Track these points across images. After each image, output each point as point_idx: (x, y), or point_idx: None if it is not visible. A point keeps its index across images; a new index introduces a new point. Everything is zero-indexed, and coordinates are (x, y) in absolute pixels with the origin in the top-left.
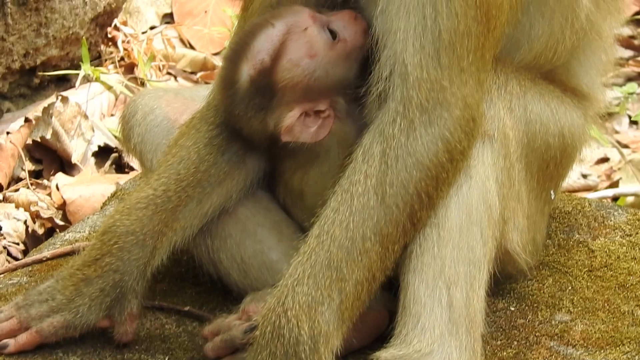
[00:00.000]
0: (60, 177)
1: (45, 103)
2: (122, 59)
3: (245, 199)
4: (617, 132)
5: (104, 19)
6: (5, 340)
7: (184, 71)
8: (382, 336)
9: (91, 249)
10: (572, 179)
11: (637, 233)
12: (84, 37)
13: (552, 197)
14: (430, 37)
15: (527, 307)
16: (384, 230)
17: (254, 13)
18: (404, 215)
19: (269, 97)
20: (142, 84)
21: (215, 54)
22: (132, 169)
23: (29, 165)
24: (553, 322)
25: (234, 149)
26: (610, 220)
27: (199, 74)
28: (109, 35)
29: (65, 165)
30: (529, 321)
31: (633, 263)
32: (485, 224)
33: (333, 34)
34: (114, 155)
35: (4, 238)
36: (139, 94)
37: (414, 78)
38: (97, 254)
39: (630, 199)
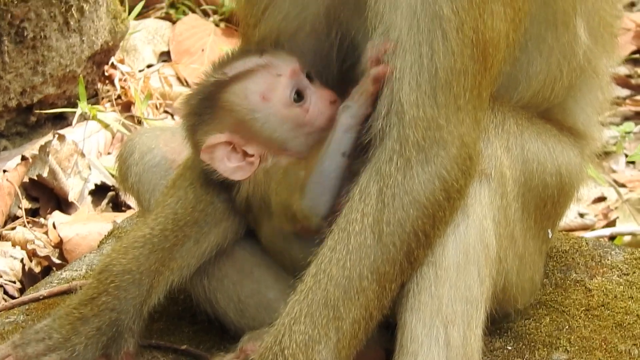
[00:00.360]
0: (57, 216)
1: (42, 141)
2: (119, 97)
3: (242, 239)
4: (614, 172)
5: (101, 57)
6: None
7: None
8: None
9: (88, 288)
10: (569, 218)
11: (634, 272)
12: (80, 75)
13: (550, 236)
14: (427, 75)
15: (524, 346)
16: (381, 268)
17: None
18: (401, 254)
19: (210, 111)
20: (139, 122)
21: None
22: (129, 207)
23: (26, 204)
24: None
25: (231, 188)
26: (608, 260)
27: None
28: (106, 74)
29: (62, 204)
30: None
31: (630, 302)
32: (483, 263)
33: (300, 97)
34: (111, 193)
35: (1, 276)
36: (136, 133)
37: (410, 117)
38: (93, 292)
39: (627, 238)
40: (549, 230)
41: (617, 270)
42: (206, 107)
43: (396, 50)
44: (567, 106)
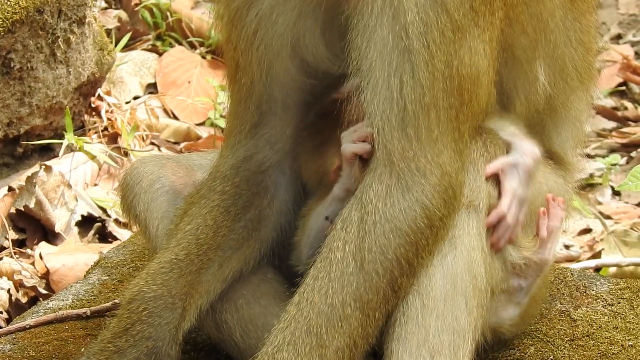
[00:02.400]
0: (43, 246)
1: (29, 172)
2: (105, 128)
3: (255, 266)
4: (599, 203)
5: (87, 89)
6: None
7: (168, 141)
8: None
9: (119, 320)
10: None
11: (619, 303)
12: (67, 107)
13: None
14: (396, 108)
15: None
16: (364, 296)
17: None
18: (384, 282)
19: None
20: (126, 154)
21: (199, 124)
22: (115, 238)
23: (13, 234)
24: None
25: (248, 217)
26: (593, 290)
27: (182, 144)
28: (93, 105)
29: (49, 235)
30: None
31: (615, 332)
32: (471, 294)
33: None
34: (97, 224)
35: None
36: (139, 161)
37: (386, 147)
38: (126, 323)
39: (612, 270)
40: None
41: (602, 301)
42: None
43: (369, 84)
44: (551, 138)
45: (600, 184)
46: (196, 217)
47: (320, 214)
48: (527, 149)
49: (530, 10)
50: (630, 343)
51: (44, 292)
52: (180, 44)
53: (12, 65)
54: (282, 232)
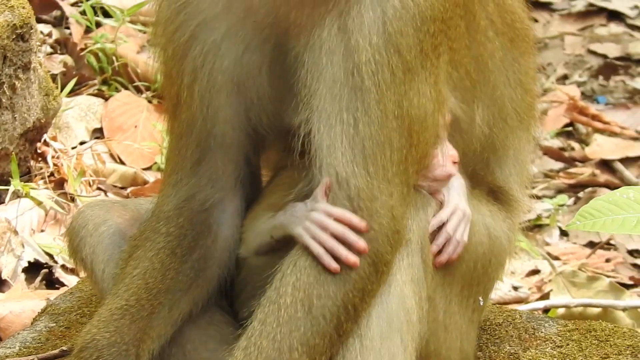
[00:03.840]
0: None
1: None
2: (52, 174)
3: (204, 306)
4: (547, 244)
5: (33, 135)
6: None
7: (114, 186)
8: None
9: None
10: (503, 291)
11: (567, 344)
12: (13, 153)
13: (481, 304)
14: (354, 143)
15: None
16: (311, 341)
17: (183, 124)
18: (330, 327)
19: None
20: (72, 199)
21: (146, 169)
22: (62, 284)
23: None
24: None
25: (195, 257)
26: (541, 332)
27: (129, 189)
28: (39, 151)
29: None
30: None
31: None
32: (405, 329)
33: None
34: (44, 271)
35: None
36: (86, 205)
37: (347, 187)
38: None
39: (561, 311)
40: (480, 298)
41: (551, 343)
42: None
43: (322, 118)
44: (494, 173)
45: (548, 224)
46: (143, 260)
47: (266, 229)
48: (457, 182)
49: (472, 53)
50: None
51: None
52: (126, 88)
53: None
54: (227, 269)
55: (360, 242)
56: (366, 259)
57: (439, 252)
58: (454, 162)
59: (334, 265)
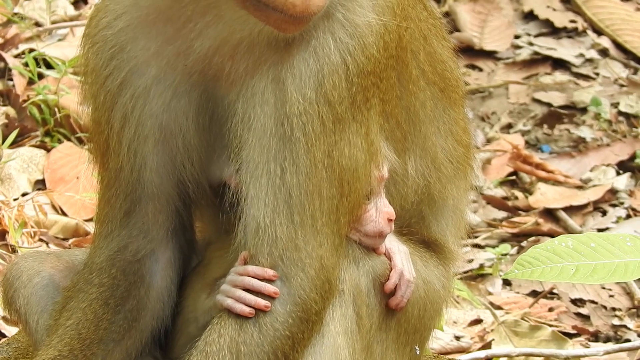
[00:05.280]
0: None
1: None
2: None
3: (138, 357)
4: (490, 294)
5: None
6: None
7: (56, 237)
8: None
9: None
10: (445, 340)
11: None
12: None
13: (417, 352)
14: (281, 195)
15: None
16: None
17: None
18: None
19: None
20: (14, 250)
21: (87, 220)
22: (3, 335)
23: None
24: None
25: (127, 307)
26: None
27: (70, 240)
28: None
29: None
30: None
31: None
32: None
33: None
34: None
35: None
36: (21, 257)
37: (269, 236)
38: None
39: None
40: (416, 347)
41: None
42: None
43: (253, 175)
44: (429, 226)
45: (491, 274)
46: (76, 311)
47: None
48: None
49: (403, 103)
50: None
51: None
52: (68, 139)
53: None
54: (161, 319)
55: (268, 287)
56: (291, 307)
57: (393, 294)
58: (390, 220)
59: (246, 309)
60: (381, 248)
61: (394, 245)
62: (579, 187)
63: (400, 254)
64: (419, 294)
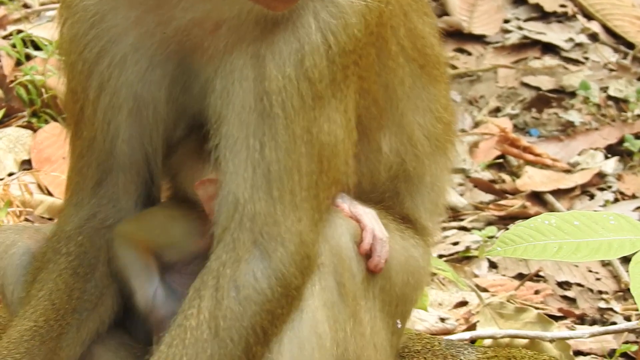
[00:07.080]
0: None
1: None
2: None
3: (111, 324)
4: (476, 276)
5: None
6: None
7: (42, 217)
8: None
9: None
10: (430, 322)
11: None
12: None
13: (398, 326)
14: (260, 170)
15: None
16: None
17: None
18: (239, 349)
19: None
20: None
21: None
22: None
23: None
24: None
25: (97, 275)
26: (460, 359)
27: (56, 220)
28: None
29: None
30: None
31: None
32: (317, 355)
33: None
34: None
35: None
36: None
37: (248, 211)
38: None
39: (487, 342)
40: (398, 321)
41: None
42: None
43: (228, 144)
44: (403, 203)
45: (477, 256)
46: (47, 282)
47: None
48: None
49: (382, 80)
50: None
51: None
52: (55, 120)
53: None
54: None
55: None
56: (272, 280)
57: (370, 257)
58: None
59: None
60: (346, 210)
61: (358, 208)
62: (567, 171)
63: (367, 215)
64: (398, 260)
